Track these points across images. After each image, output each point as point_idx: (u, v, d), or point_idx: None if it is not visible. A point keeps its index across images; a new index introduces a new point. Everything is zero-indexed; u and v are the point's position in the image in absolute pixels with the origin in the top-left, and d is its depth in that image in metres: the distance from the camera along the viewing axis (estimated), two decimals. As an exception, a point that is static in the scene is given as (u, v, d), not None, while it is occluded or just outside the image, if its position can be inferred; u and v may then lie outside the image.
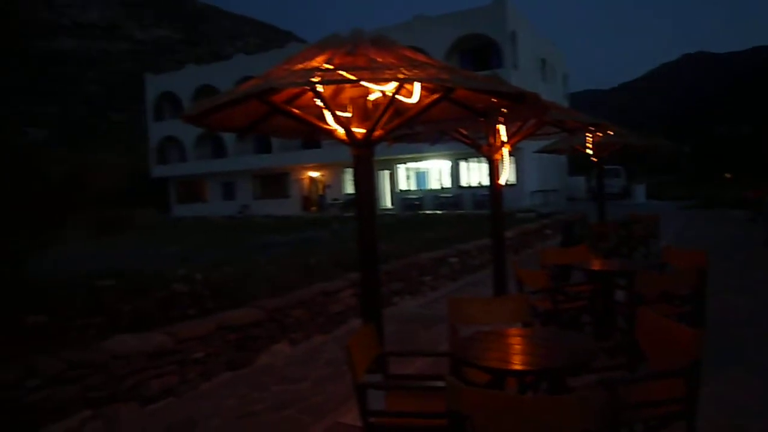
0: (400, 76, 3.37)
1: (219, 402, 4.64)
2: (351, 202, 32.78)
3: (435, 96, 3.95)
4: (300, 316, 6.22)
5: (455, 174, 31.58)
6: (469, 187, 31.01)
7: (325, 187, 35.95)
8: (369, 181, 4.12)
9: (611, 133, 11.02)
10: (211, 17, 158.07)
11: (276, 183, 37.24)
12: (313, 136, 5.23)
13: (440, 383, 2.58)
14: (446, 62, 31.17)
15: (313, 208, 35.57)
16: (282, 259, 9.38)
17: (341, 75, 3.31)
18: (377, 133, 4.00)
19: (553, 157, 29.91)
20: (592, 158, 11.14)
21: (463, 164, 31.44)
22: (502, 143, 6.22)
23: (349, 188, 34.74)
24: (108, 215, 4.67)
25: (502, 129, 6.25)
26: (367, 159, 4.07)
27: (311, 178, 36.78)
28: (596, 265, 5.46)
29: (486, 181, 31.15)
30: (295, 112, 4.04)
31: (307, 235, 16.50)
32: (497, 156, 6.30)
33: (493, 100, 4.25)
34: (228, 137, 36.18)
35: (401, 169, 33.14)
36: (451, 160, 31.41)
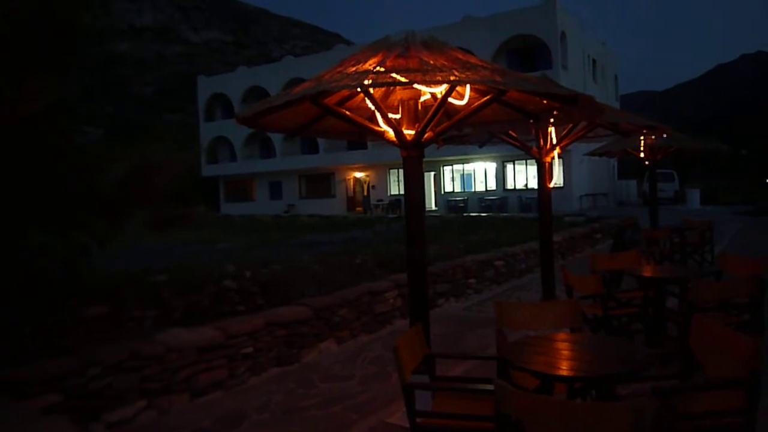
0: (452, 78, 3.38)
1: (267, 397, 4.75)
2: (395, 203, 32.88)
3: (485, 98, 3.94)
4: (346, 315, 6.29)
5: (501, 176, 31.27)
6: (515, 190, 30.63)
7: (370, 187, 36.13)
8: (418, 182, 4.14)
9: (666, 136, 10.75)
10: (260, 19, 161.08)
11: (321, 183, 37.67)
12: (363, 138, 5.28)
13: (489, 386, 2.57)
14: (495, 64, 31.08)
15: (358, 209, 35.80)
16: (329, 258, 9.48)
17: (393, 78, 3.35)
18: (427, 134, 4.03)
19: (603, 160, 29.23)
20: (644, 162, 10.87)
21: (509, 166, 31.10)
22: (553, 146, 6.14)
23: (394, 189, 34.84)
24: (167, 212, 4.81)
25: (552, 131, 6.18)
26: (416, 160, 4.09)
27: (356, 179, 37.04)
28: (648, 272, 5.33)
29: (532, 184, 30.83)
30: (347, 114, 4.11)
31: (351, 235, 16.63)
32: (547, 159, 6.23)
33: (544, 102, 4.22)
34: (276, 137, 36.77)
35: (447, 171, 33.02)
36: (497, 162, 31.11)
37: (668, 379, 3.41)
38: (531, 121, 4.84)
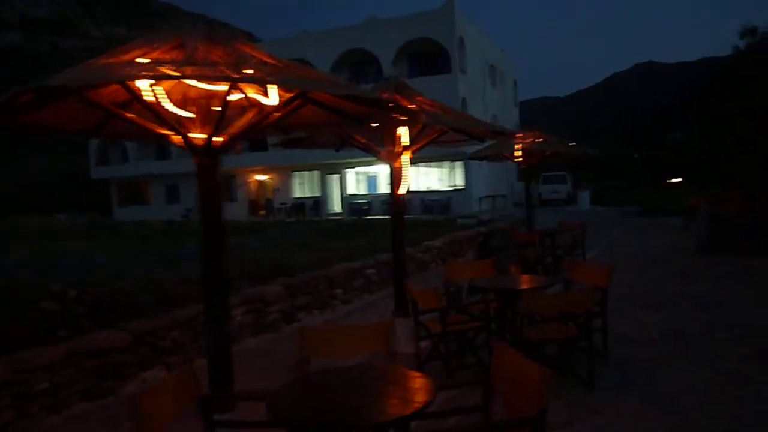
0: (235, 75, 2.90)
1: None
2: (299, 206, 32.16)
3: (286, 99, 3.49)
4: (179, 338, 5.65)
5: (404, 179, 31.24)
6: (418, 192, 30.74)
7: (274, 190, 35.16)
8: (213, 194, 3.62)
9: (540, 140, 10.85)
10: (169, 16, 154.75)
11: (222, 186, 36.22)
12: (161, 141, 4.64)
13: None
14: (392, 66, 30.58)
15: (262, 212, 34.72)
16: (185, 272, 8.77)
17: (161, 71, 2.82)
18: (220, 139, 3.52)
19: (502, 163, 29.94)
20: (520, 165, 10.91)
21: (412, 169, 31.07)
22: (402, 150, 5.81)
23: (298, 192, 34.09)
24: None
25: (404, 135, 5.85)
26: (210, 169, 3.57)
27: (259, 182, 35.93)
28: (486, 283, 5.08)
29: (435, 186, 31.00)
30: (125, 115, 3.52)
31: (241, 242, 15.80)
32: (397, 164, 5.89)
33: (353, 106, 3.82)
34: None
35: (350, 173, 32.65)
36: (400, 165, 31.06)
37: (470, 411, 3.08)
38: (378, 124, 4.46)
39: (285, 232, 18.45)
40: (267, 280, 7.85)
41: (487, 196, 30.53)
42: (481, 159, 11.85)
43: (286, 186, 34.27)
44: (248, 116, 3.56)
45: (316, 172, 33.03)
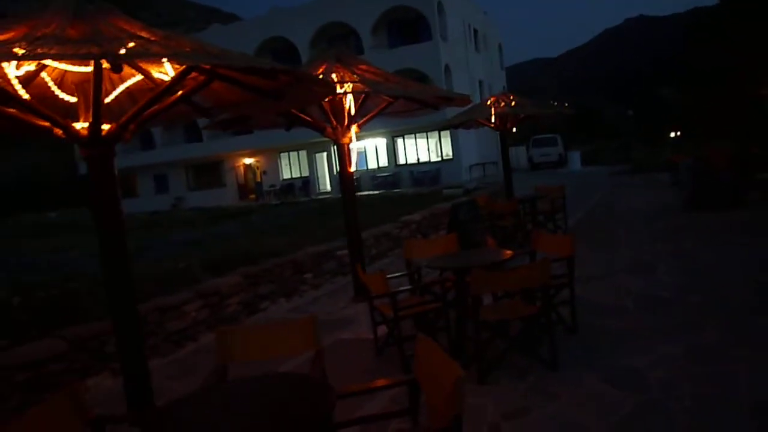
0: (94, 50, 2.52)
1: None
2: (288, 187, 31.77)
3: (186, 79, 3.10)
4: (124, 340, 5.34)
5: (392, 152, 30.79)
6: (407, 165, 30.32)
7: (262, 173, 34.71)
8: (109, 190, 3.24)
9: (513, 104, 10.42)
10: (150, 3, 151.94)
11: (210, 172, 35.77)
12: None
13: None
14: (372, 37, 29.86)
15: (252, 196, 34.32)
16: (154, 265, 8.44)
17: (12, 52, 2.44)
18: (107, 126, 3.13)
19: (491, 129, 29.46)
20: (494, 129, 10.52)
21: (399, 141, 30.67)
22: (348, 125, 5.42)
23: (286, 173, 33.64)
24: None
25: (350, 109, 5.45)
26: (100, 161, 3.19)
27: (246, 165, 35.45)
28: (439, 261, 4.74)
29: (424, 158, 30.49)
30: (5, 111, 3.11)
31: (219, 229, 15.48)
32: (345, 139, 5.50)
33: (266, 81, 3.42)
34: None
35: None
36: (386, 138, 30.57)
37: (396, 415, 2.77)
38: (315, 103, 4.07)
39: (268, 215, 18.10)
40: (232, 269, 7.54)
41: (477, 164, 30.08)
42: (455, 127, 11.42)
43: (275, 168, 33.80)
44: (142, 100, 3.17)
45: (303, 152, 32.54)
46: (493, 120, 10.40)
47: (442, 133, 29.05)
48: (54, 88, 3.42)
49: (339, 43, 31.68)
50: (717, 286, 5.83)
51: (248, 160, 35.14)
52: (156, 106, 3.16)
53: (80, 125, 3.10)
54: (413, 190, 25.03)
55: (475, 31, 34.76)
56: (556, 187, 10.15)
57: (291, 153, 33.00)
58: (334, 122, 5.28)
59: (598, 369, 4.10)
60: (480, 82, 34.59)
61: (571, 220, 11.75)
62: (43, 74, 3.35)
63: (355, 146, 5.79)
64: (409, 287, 4.98)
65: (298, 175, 33.01)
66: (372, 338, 5.04)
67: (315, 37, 31.09)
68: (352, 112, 5.37)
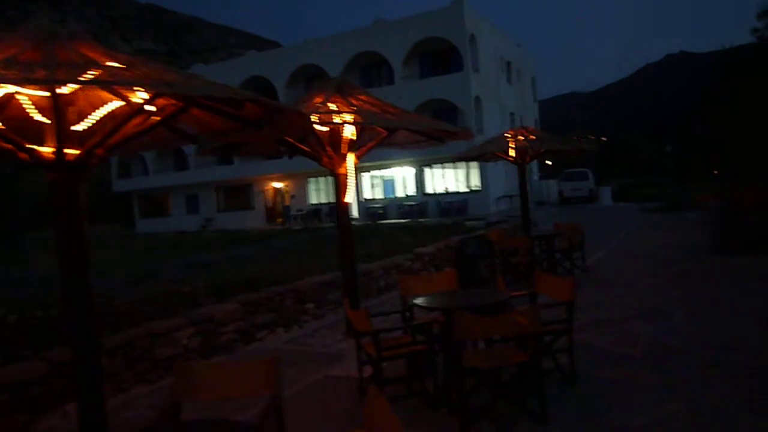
0: (39, 75, 2.47)
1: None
2: (314, 212, 31.88)
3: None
4: (110, 365, 5.25)
5: (420, 181, 30.68)
6: (435, 194, 30.13)
7: (290, 197, 34.95)
8: (73, 217, 3.14)
9: (533, 138, 10.24)
10: (194, 28, 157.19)
11: (240, 195, 36.19)
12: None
13: None
14: (403, 67, 30.07)
15: (279, 220, 34.54)
16: (157, 288, 8.42)
17: None
18: (75, 152, 3.07)
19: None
20: (512, 162, 10.30)
21: (427, 170, 30.55)
22: (344, 155, 5.30)
23: (314, 198, 33.80)
24: None
25: (349, 138, 5.34)
26: (65, 187, 3.10)
27: (275, 189, 35.77)
28: (427, 300, 4.52)
29: (452, 188, 30.34)
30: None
31: (238, 252, 15.53)
32: (341, 169, 5.38)
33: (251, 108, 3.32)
34: (188, 148, 35.10)
35: (365, 177, 32.20)
36: (415, 167, 30.51)
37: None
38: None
39: (287, 240, 18.10)
40: (234, 295, 7.44)
41: (504, 196, 29.70)
42: (472, 160, 11.24)
43: (303, 192, 34.00)
44: (108, 125, 3.10)
45: (330, 178, 32.55)
46: (512, 153, 10.19)
47: (470, 164, 28.85)
48: (31, 110, 3.39)
49: (371, 72, 32.03)
50: (732, 341, 5.46)
51: (277, 184, 35.46)
52: (123, 132, 3.08)
53: (45, 149, 3.04)
54: (439, 220, 24.79)
55: (508, 63, 34.71)
56: (574, 225, 9.83)
57: (319, 178, 33.18)
58: (330, 151, 5.16)
59: (591, 426, 3.82)
60: (512, 114, 34.40)
61: (593, 258, 11.37)
62: (24, 96, 3.33)
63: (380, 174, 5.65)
64: (401, 326, 4.78)
65: (326, 201, 33.12)
66: (355, 377, 4.85)
67: (348, 65, 31.45)
68: (352, 142, 5.25)
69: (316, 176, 33.01)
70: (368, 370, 4.71)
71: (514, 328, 3.93)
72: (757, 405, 3.93)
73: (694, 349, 5.25)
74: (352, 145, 5.21)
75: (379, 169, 31.38)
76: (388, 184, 32.40)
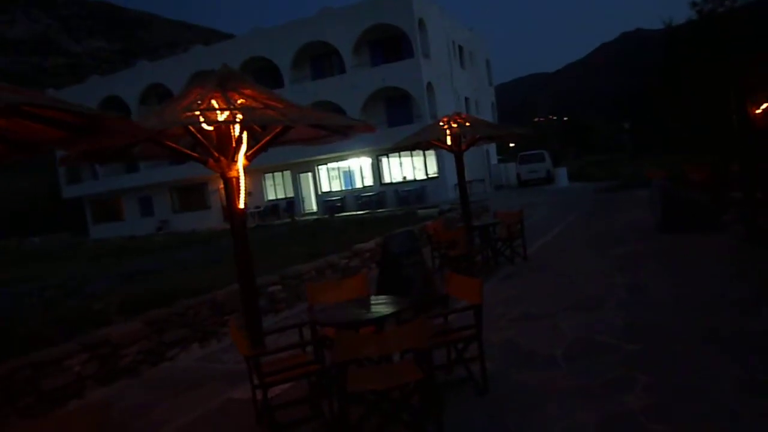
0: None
1: None
2: (273, 208, 31.21)
3: None
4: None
5: (377, 171, 30.22)
6: (392, 184, 29.73)
7: (247, 194, 34.09)
8: None
9: (468, 125, 9.91)
10: (149, 25, 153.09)
11: (194, 194, 35.17)
12: None
13: None
14: (354, 56, 29.49)
15: (237, 218, 33.68)
16: (63, 305, 7.85)
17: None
18: None
19: (477, 147, 28.90)
20: (448, 151, 9.93)
21: (384, 160, 30.10)
22: (233, 158, 4.80)
23: (271, 194, 33.08)
24: None
25: (240, 138, 4.84)
26: None
27: (231, 187, 34.86)
28: (323, 314, 4.09)
29: (409, 176, 29.96)
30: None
31: (185, 256, 14.90)
32: (232, 173, 4.89)
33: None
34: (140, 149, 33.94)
35: (323, 170, 31.59)
36: (371, 157, 30.02)
37: None
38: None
39: (227, 242, 17.44)
40: (151, 307, 6.91)
41: (463, 182, 29.45)
42: (408, 149, 10.84)
43: (259, 188, 33.23)
44: None
45: (287, 173, 32.00)
46: (448, 141, 9.82)
47: (427, 151, 28.50)
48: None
49: (321, 63, 31.35)
50: (663, 332, 5.17)
51: (233, 182, 34.56)
52: None
53: None
54: (396, 209, 24.41)
55: (460, 47, 34.37)
56: (514, 213, 9.52)
57: (275, 174, 32.46)
58: (216, 154, 4.66)
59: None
60: (467, 99, 34.12)
61: (538, 243, 11.12)
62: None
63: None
64: (294, 344, 4.33)
65: (283, 196, 32.45)
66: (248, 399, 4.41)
67: (297, 56, 30.72)
68: (242, 142, 4.76)
69: (271, 172, 32.29)
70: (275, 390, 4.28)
71: (407, 343, 3.52)
72: (675, 408, 3.60)
73: (619, 344, 4.93)
74: (240, 146, 4.71)
75: (336, 161, 30.82)
76: (347, 176, 31.88)
